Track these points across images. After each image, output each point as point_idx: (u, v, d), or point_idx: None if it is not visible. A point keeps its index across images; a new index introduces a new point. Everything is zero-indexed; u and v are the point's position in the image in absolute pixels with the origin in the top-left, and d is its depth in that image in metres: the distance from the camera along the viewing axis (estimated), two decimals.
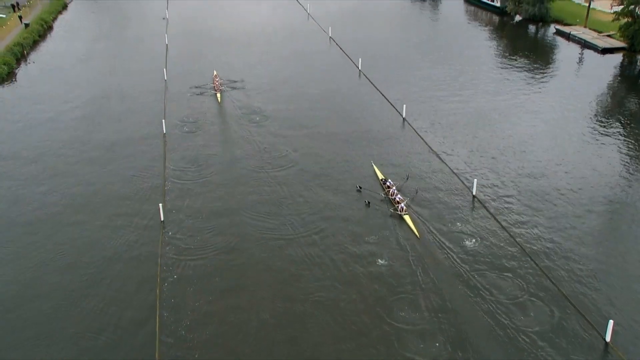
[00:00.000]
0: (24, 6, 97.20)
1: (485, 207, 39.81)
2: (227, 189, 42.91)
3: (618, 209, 40.07)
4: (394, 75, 67.27)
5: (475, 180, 41.52)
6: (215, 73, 66.56)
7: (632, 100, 60.68)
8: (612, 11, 79.24)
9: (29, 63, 74.89)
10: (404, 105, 55.34)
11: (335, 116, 55.69)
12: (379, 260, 34.40)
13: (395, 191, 40.85)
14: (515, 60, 73.25)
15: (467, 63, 71.12)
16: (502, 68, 70.11)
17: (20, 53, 75.69)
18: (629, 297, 31.61)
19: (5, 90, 64.85)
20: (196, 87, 63.28)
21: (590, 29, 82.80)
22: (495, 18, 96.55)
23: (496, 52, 77.94)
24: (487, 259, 34.47)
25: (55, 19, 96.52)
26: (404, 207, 38.98)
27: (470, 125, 52.92)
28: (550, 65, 72.37)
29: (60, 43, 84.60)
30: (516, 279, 32.73)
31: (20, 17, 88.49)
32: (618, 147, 48.79)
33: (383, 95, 60.68)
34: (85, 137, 51.75)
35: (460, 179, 43.42)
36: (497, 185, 42.53)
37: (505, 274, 33.22)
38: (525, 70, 68.79)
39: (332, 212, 39.56)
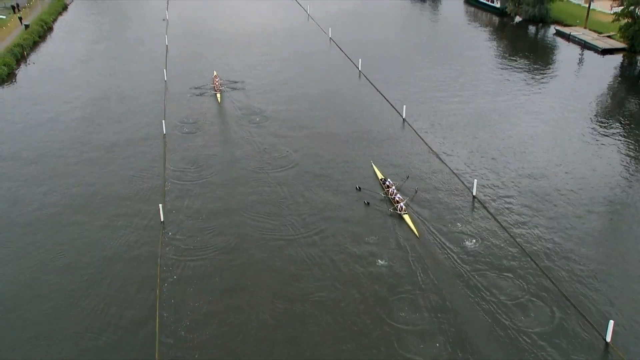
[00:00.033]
0: (24, 7, 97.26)
1: (485, 207, 39.80)
2: (227, 189, 42.91)
3: (618, 210, 40.05)
4: (394, 75, 67.27)
5: (476, 180, 41.50)
6: (215, 73, 66.58)
7: (632, 101, 60.67)
8: (612, 12, 79.34)
9: (29, 64, 74.90)
10: (404, 106, 55.36)
11: (335, 117, 55.69)
12: (379, 261, 34.37)
13: (395, 191, 40.88)
14: (515, 61, 73.27)
15: (467, 64, 71.14)
16: (502, 69, 70.12)
17: (20, 54, 75.73)
18: (630, 297, 31.58)
19: (5, 91, 64.85)
20: (196, 88, 63.29)
21: (590, 29, 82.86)
22: (495, 19, 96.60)
23: (496, 53, 77.96)
24: (487, 259, 34.45)
25: (55, 20, 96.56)
26: (404, 207, 38.99)
27: (470, 126, 52.92)
28: (550, 66, 72.39)
29: (60, 44, 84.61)
30: (516, 279, 32.71)
31: (20, 19, 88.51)
32: (618, 147, 48.78)
33: (383, 95, 60.68)
34: (85, 138, 51.74)
35: (460, 180, 43.40)
36: (497, 186, 42.51)
37: (506, 274, 33.20)
38: (525, 71, 68.81)
39: (331, 212, 39.55)
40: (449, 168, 45.13)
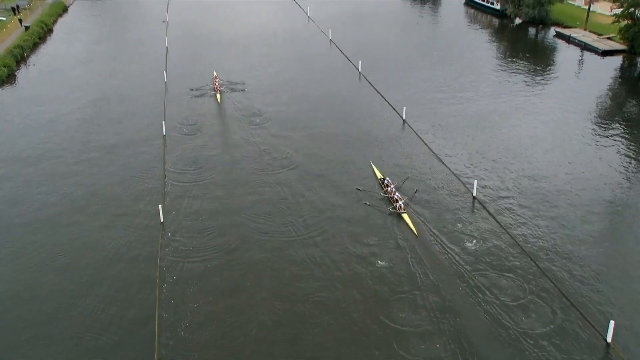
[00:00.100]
0: (24, 9, 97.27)
1: (485, 208, 39.76)
2: (227, 190, 42.89)
3: (618, 210, 40.02)
4: (394, 77, 67.27)
5: (476, 181, 41.49)
6: (215, 74, 66.60)
7: (632, 102, 60.66)
8: (611, 14, 79.29)
9: (29, 65, 74.92)
10: (404, 107, 55.36)
11: (335, 118, 55.68)
12: (379, 261, 34.33)
13: (394, 190, 40.89)
14: (516, 62, 73.28)
15: (467, 65, 71.15)
16: (502, 70, 70.12)
17: (21, 55, 75.76)
18: (630, 297, 31.54)
19: (5, 92, 64.86)
20: (196, 90, 63.26)
21: (590, 31, 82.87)
22: (495, 21, 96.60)
23: (496, 55, 77.96)
24: (487, 259, 34.41)
25: (55, 21, 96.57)
26: (402, 206, 39.03)
27: (470, 127, 52.91)
28: (551, 68, 72.38)
29: (60, 45, 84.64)
30: (517, 280, 32.66)
31: (20, 20, 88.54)
32: (618, 149, 48.76)
33: (383, 97, 60.67)
34: (85, 139, 51.74)
35: (460, 180, 43.37)
36: (497, 187, 42.48)
37: (506, 274, 33.15)
38: (525, 73, 68.81)
39: (331, 212, 39.52)
40: (449, 169, 45.11)
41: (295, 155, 47.68)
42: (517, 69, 70.44)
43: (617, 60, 74.03)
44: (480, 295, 31.50)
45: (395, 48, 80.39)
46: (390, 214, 39.10)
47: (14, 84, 67.94)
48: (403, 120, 54.63)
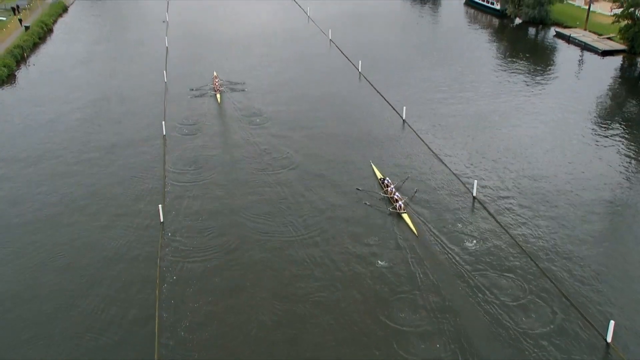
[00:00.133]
0: (24, 9, 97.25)
1: (485, 208, 39.74)
2: (227, 190, 42.88)
3: (619, 210, 40.01)
4: (394, 77, 67.25)
5: (476, 181, 41.49)
6: (215, 74, 66.59)
7: (632, 102, 60.65)
8: (611, 14, 79.29)
9: (29, 65, 74.92)
10: (404, 107, 55.36)
11: (335, 118, 55.67)
12: (379, 261, 34.31)
13: (394, 189, 40.91)
14: (516, 62, 73.27)
15: (467, 65, 71.15)
16: (502, 70, 70.10)
17: (21, 55, 75.75)
18: (630, 297, 31.54)
19: (5, 93, 64.85)
20: (196, 90, 63.25)
21: (590, 31, 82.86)
22: (495, 21, 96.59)
23: (496, 55, 77.95)
24: (487, 259, 34.39)
25: (55, 21, 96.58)
26: (402, 205, 39.04)
27: (470, 127, 52.90)
28: (551, 68, 72.37)
29: (60, 45, 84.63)
30: (517, 280, 32.65)
31: (20, 20, 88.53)
32: (618, 149, 48.75)
33: (383, 97, 60.66)
34: (85, 139, 51.74)
35: (460, 180, 43.36)
36: (497, 187, 42.47)
37: (506, 274, 33.14)
38: (525, 73, 68.80)
39: (331, 212, 39.52)
40: (449, 169, 45.10)
41: (295, 155, 47.67)
42: (517, 69, 70.44)
43: (617, 60, 74.03)
44: (480, 295, 31.50)
45: (395, 48, 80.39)
46: (390, 214, 39.11)
47: (14, 84, 67.93)
48: (403, 120, 54.62)
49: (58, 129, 54.14)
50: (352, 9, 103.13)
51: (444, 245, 35.62)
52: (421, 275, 33.02)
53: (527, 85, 64.57)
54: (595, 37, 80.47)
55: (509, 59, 75.14)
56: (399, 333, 29.15)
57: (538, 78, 67.14)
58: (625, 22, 73.35)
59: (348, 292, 32.04)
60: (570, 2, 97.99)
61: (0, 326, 30.19)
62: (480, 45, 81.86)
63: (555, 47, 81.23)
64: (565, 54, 77.70)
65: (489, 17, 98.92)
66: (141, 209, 40.40)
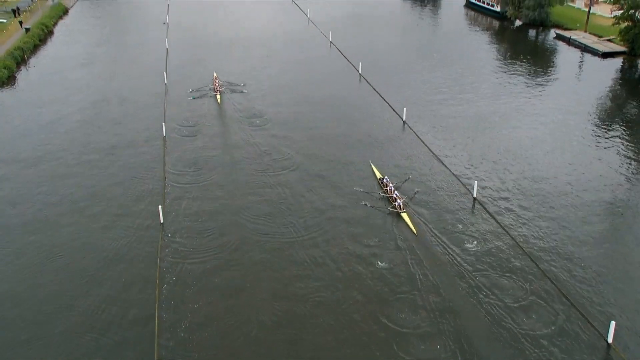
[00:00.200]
0: (25, 11, 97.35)
1: (486, 209, 39.69)
2: (227, 190, 42.85)
3: (619, 211, 39.93)
4: (395, 79, 67.26)
5: (476, 182, 41.45)
6: (215, 75, 66.64)
7: (633, 104, 60.60)
8: (612, 16, 79.33)
9: (30, 67, 74.98)
10: (404, 109, 55.35)
11: (335, 119, 55.65)
12: (379, 261, 34.23)
13: (393, 189, 40.94)
14: (516, 64, 73.27)
15: (468, 67, 71.17)
16: (502, 72, 70.12)
17: (21, 57, 75.78)
18: (631, 298, 31.47)
19: (6, 94, 64.89)
20: (196, 91, 63.27)
21: (590, 33, 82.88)
22: (496, 23, 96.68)
23: (497, 56, 77.99)
24: (488, 260, 34.33)
25: (56, 23, 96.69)
26: (402, 205, 39.03)
27: (470, 129, 52.88)
28: (551, 69, 72.42)
29: (60, 47, 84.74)
30: (517, 281, 32.57)
31: (20, 22, 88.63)
32: (618, 150, 48.72)
33: (383, 98, 60.66)
34: (85, 140, 51.73)
35: (460, 181, 43.31)
36: (498, 188, 42.42)
37: (507, 275, 33.07)
38: (525, 74, 68.82)
39: (332, 213, 39.47)
40: (449, 170, 45.06)
41: (296, 156, 47.63)
42: (517, 70, 70.45)
43: (618, 62, 74.02)
44: (480, 295, 31.43)
45: (395, 50, 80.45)
46: (390, 213, 39.11)
47: (14, 86, 67.97)
48: (403, 121, 54.61)
49: (58, 130, 54.14)
50: (352, 11, 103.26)
51: (444, 245, 35.56)
52: (421, 276, 32.94)
53: (528, 86, 64.57)
54: (595, 39, 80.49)
55: (509, 61, 75.17)
56: (400, 334, 29.05)
57: (538, 80, 67.16)
58: (626, 24, 73.38)
59: (348, 292, 31.96)
60: (570, 4, 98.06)
61: (0, 326, 30.10)
62: (480, 47, 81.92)
63: (555, 49, 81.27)
64: (566, 55, 77.73)
65: (489, 19, 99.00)
66: (141, 209, 40.33)
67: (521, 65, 72.65)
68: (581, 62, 75.10)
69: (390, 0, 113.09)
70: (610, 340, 28.23)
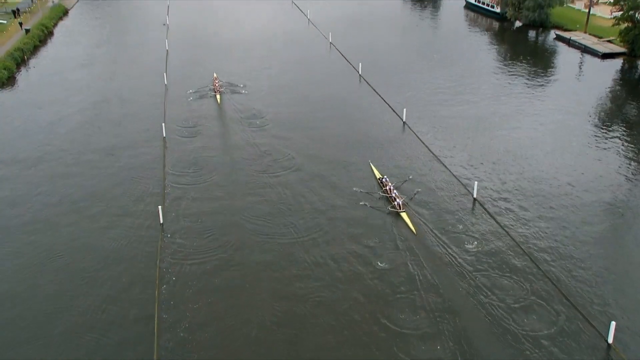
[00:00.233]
0: (25, 12, 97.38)
1: (486, 209, 39.66)
2: (227, 191, 42.82)
3: (619, 212, 39.87)
4: (395, 79, 67.24)
5: (476, 183, 41.43)
6: (215, 75, 66.65)
7: (633, 105, 60.61)
8: (611, 17, 79.40)
9: (30, 68, 74.99)
10: (404, 109, 55.33)
11: (335, 120, 55.64)
12: (378, 261, 34.20)
13: (392, 188, 40.96)
14: (516, 65, 73.28)
15: (468, 68, 71.17)
16: (502, 73, 70.14)
17: (21, 58, 75.77)
18: (631, 298, 31.42)
19: (6, 95, 64.88)
20: (196, 91, 63.29)
21: (590, 34, 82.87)
22: (496, 24, 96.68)
23: (497, 57, 78.01)
24: (488, 260, 34.30)
25: (56, 24, 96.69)
26: (401, 204, 39.04)
27: (470, 129, 52.85)
28: (551, 70, 72.45)
29: (60, 48, 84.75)
30: (517, 281, 32.53)
31: (20, 23, 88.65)
32: (618, 151, 48.71)
33: (383, 99, 60.65)
34: (85, 141, 51.71)
35: (460, 182, 43.29)
36: (498, 189, 42.39)
37: (507, 276, 33.02)
38: (525, 75, 68.83)
39: (331, 213, 39.44)
40: (450, 171, 45.05)
41: (296, 156, 47.59)
42: (517, 71, 70.45)
43: (617, 62, 74.03)
44: (480, 296, 31.39)
45: (395, 51, 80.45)
46: (389, 212, 39.12)
47: (14, 87, 67.98)
48: (403, 122, 54.60)
49: (58, 131, 54.12)
50: (352, 12, 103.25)
51: (444, 245, 35.53)
52: (420, 276, 32.91)
53: (527, 87, 64.58)
54: (595, 39, 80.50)
55: (509, 62, 75.18)
56: (400, 334, 29.01)
57: (538, 80, 67.16)
58: (625, 24, 73.41)
59: (348, 292, 31.93)
60: (570, 5, 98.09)
61: (0, 326, 30.19)
62: (480, 48, 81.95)
63: (555, 50, 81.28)
64: (566, 56, 77.73)
65: (489, 20, 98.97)
66: (141, 210, 40.30)
67: (521, 66, 72.66)
68: (581, 63, 75.13)
69: (390, 1, 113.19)
70: (610, 340, 28.20)
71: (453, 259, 34.26)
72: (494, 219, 38.47)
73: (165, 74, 68.89)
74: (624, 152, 48.40)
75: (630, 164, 46.41)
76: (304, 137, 51.59)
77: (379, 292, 31.95)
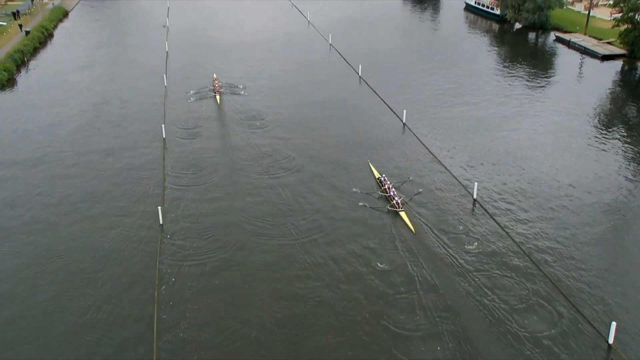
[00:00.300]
0: (25, 14, 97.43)
1: (486, 210, 39.63)
2: (227, 192, 42.78)
3: (619, 213, 39.84)
4: (394, 81, 67.28)
5: (476, 183, 41.41)
6: (215, 76, 66.65)
7: (633, 106, 60.68)
8: (611, 18, 79.48)
9: (29, 70, 74.99)
10: (404, 111, 55.32)
11: (335, 121, 55.63)
12: (378, 261, 34.16)
13: (391, 187, 40.99)
14: (516, 66, 73.33)
15: (468, 69, 71.22)
16: (502, 74, 70.18)
17: (21, 60, 75.76)
18: (632, 299, 31.38)
19: (6, 97, 64.86)
20: (196, 92, 63.29)
21: (590, 36, 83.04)
22: (495, 26, 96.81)
23: (496, 59, 78.07)
24: (488, 261, 34.27)
25: (56, 26, 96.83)
26: (400, 203, 39.04)
27: (470, 130, 52.86)
28: (551, 72, 72.52)
29: (60, 50, 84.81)
30: (518, 282, 32.50)
31: (20, 25, 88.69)
32: (618, 152, 48.70)
33: (383, 100, 60.66)
34: (85, 142, 51.68)
35: (460, 183, 43.26)
36: (498, 189, 42.36)
37: (507, 276, 32.99)
38: (525, 77, 68.86)
39: (331, 213, 39.43)
40: (450, 172, 45.02)
41: (296, 157, 47.58)
42: (517, 73, 70.50)
43: (617, 64, 74.13)
44: (481, 296, 31.34)
45: (395, 52, 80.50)
46: (389, 212, 39.11)
47: (14, 88, 67.97)
48: (403, 123, 54.60)
49: (58, 132, 54.09)
50: (352, 14, 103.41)
51: (444, 246, 35.50)
52: (420, 277, 32.87)
53: (527, 89, 64.60)
54: (595, 41, 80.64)
55: (509, 63, 75.24)
56: (400, 334, 28.96)
57: (538, 82, 67.19)
58: (625, 26, 73.55)
59: (348, 292, 31.89)
60: (570, 7, 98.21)
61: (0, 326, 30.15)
62: (480, 50, 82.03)
63: (555, 52, 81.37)
64: (565, 58, 77.82)
65: (489, 22, 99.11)
66: (141, 211, 40.28)
67: (521, 67, 72.71)
68: (581, 64, 75.20)
69: (390, 2, 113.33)
70: (611, 341, 28.15)
71: (453, 260, 34.22)
72: (494, 219, 38.44)
73: (165, 75, 68.93)
74: (623, 154, 48.39)
75: (630, 165, 46.41)
76: (304, 138, 51.58)
77: (379, 292, 31.90)
